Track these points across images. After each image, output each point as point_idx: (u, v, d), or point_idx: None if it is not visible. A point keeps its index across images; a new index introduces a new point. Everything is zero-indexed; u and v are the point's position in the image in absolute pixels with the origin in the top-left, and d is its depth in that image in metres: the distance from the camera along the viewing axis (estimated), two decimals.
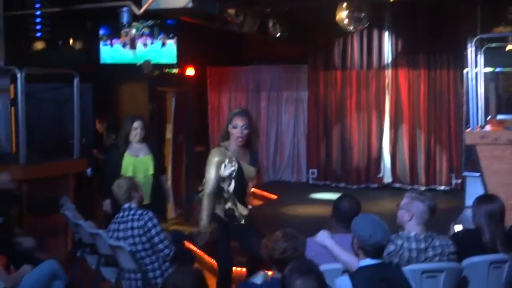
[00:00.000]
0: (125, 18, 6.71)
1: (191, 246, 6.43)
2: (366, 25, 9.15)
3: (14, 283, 4.33)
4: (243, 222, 4.91)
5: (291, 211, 8.95)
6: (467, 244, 3.97)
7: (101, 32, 9.10)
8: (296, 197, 10.02)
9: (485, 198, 4.28)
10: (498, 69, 9.19)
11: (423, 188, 10.04)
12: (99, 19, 8.94)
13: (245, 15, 8.48)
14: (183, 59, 9.55)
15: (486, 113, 7.79)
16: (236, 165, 4.81)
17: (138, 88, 9.01)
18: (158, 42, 9.10)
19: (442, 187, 10.38)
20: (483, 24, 8.56)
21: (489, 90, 8.98)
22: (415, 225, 3.77)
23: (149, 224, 4.69)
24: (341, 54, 11.00)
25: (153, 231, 4.68)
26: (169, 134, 9.89)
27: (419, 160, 10.54)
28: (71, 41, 8.80)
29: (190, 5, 6.08)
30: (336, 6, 8.60)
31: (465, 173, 8.43)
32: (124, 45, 9.11)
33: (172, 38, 9.11)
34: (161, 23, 9.05)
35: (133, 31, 9.01)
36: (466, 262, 3.86)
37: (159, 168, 6.03)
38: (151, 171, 5.89)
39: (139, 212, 4.78)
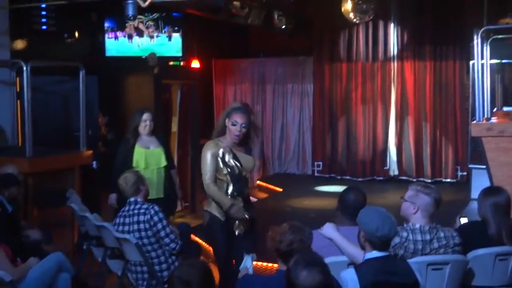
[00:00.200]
0: (130, 10, 6.69)
1: (197, 239, 6.44)
2: (372, 16, 9.12)
3: (21, 275, 4.35)
4: (240, 230, 4.58)
5: (297, 204, 8.96)
6: (472, 237, 3.97)
7: (106, 25, 9.10)
8: (302, 189, 10.02)
9: (491, 191, 4.27)
10: (504, 61, 9.14)
11: (428, 180, 10.02)
12: (104, 11, 8.94)
13: (250, 8, 8.47)
14: (188, 51, 9.55)
15: (492, 105, 7.74)
16: (232, 155, 4.55)
17: (144, 81, 9.01)
18: (163, 36, 9.10)
19: (448, 180, 10.36)
20: (490, 15, 8.52)
21: (495, 82, 8.92)
22: (421, 218, 3.77)
23: (155, 218, 4.69)
24: (346, 46, 10.97)
25: (159, 225, 4.68)
26: (174, 127, 9.90)
27: (424, 153, 10.52)
28: (76, 34, 8.80)
29: None
30: None
31: (471, 166, 8.42)
32: (129, 37, 9.11)
33: (177, 31, 9.10)
34: (166, 16, 9.04)
35: (138, 22, 9.00)
36: (471, 254, 3.86)
37: (170, 161, 6.02)
38: (163, 163, 5.86)
39: (145, 206, 4.79)
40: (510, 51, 8.80)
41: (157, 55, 8.91)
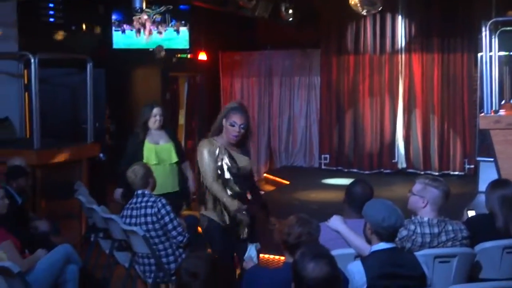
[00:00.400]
0: (137, 3, 6.71)
1: None
2: (379, 9, 9.07)
3: (29, 266, 4.38)
4: (245, 234, 4.42)
5: (304, 197, 8.96)
6: (480, 229, 3.96)
7: (114, 17, 9.11)
8: (309, 182, 10.02)
9: (499, 183, 4.26)
10: None
11: (436, 173, 10.00)
12: (112, 4, 8.94)
13: (258, 0, 8.45)
14: (195, 44, 9.54)
15: (500, 97, 7.71)
16: (227, 154, 4.39)
17: (151, 73, 9.02)
18: (170, 29, 9.09)
19: (456, 172, 10.34)
20: (498, 7, 8.47)
21: (504, 74, 8.88)
22: (430, 211, 3.76)
23: (163, 211, 4.70)
24: (354, 38, 10.93)
25: (167, 218, 4.69)
26: (182, 120, 9.91)
27: (432, 145, 10.50)
28: (84, 26, 8.81)
29: None
30: None
31: (479, 158, 8.40)
32: (137, 32, 9.12)
33: (185, 25, 9.09)
34: (173, 9, 9.03)
35: (145, 16, 9.01)
36: (479, 247, 3.85)
37: (181, 155, 5.86)
38: (174, 158, 5.74)
39: (152, 199, 4.79)
40: None
41: (165, 47, 8.92)
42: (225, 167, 4.38)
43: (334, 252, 2.82)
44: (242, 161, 4.47)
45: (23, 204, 5.44)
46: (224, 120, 4.41)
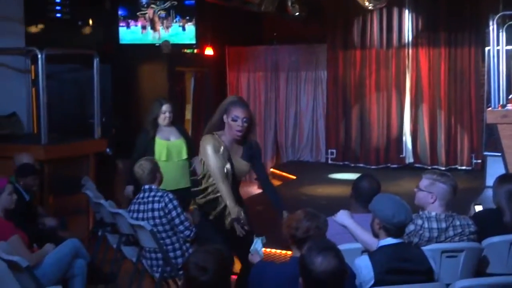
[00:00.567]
0: None
1: None
2: (386, 3, 9.05)
3: (37, 261, 4.40)
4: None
5: (310, 191, 8.96)
6: (487, 224, 3.96)
7: (120, 12, 9.11)
8: (315, 177, 10.02)
9: (506, 178, 4.24)
10: None
11: (443, 168, 9.98)
12: None
13: None
14: (202, 39, 9.54)
15: (508, 91, 7.69)
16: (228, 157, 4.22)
17: (157, 69, 9.03)
18: (176, 25, 9.09)
19: (463, 167, 10.31)
20: (506, 1, 8.42)
21: (511, 68, 8.85)
22: (438, 207, 3.76)
23: (170, 206, 4.71)
24: (360, 33, 10.90)
25: (174, 213, 4.70)
26: (188, 115, 9.93)
27: (439, 140, 10.47)
28: (90, 21, 8.83)
29: None
30: None
31: (486, 153, 8.37)
32: (143, 27, 9.12)
33: (190, 20, 9.09)
34: (178, 4, 9.02)
35: (152, 12, 9.01)
36: (486, 242, 3.85)
37: (192, 150, 5.78)
38: (184, 155, 5.73)
39: (159, 193, 4.81)
40: None
41: (171, 42, 8.92)
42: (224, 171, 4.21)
43: (341, 247, 2.82)
44: (240, 165, 4.30)
45: (31, 200, 5.46)
46: (224, 117, 4.21)
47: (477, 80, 10.13)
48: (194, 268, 2.53)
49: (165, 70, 9.02)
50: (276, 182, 10.20)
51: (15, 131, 7.08)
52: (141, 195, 4.89)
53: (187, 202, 5.49)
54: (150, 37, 9.15)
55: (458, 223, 3.75)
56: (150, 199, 4.79)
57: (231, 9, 8.88)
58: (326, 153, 11.26)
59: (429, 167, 9.99)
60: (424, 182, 3.84)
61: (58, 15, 8.14)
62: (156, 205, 4.74)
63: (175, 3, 9.02)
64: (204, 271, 2.52)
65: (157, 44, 8.95)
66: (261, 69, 11.65)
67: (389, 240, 3.28)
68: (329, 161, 11.17)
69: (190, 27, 9.10)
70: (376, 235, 3.39)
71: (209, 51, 10.25)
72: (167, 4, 9.04)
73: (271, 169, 11.03)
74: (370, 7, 8.84)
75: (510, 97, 7.76)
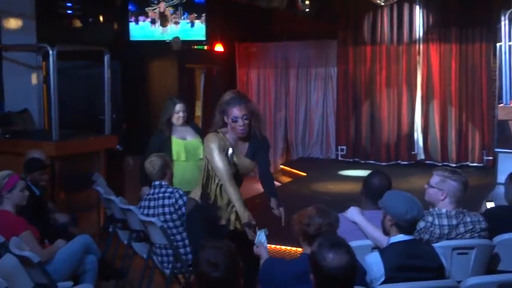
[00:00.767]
0: None
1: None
2: None
3: (49, 256, 4.42)
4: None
5: (321, 188, 8.95)
6: (499, 221, 3.94)
7: (130, 8, 9.13)
8: (325, 174, 10.01)
9: None
10: None
11: (454, 165, 9.93)
12: None
13: None
14: (212, 35, 9.54)
15: None
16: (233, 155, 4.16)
17: (167, 65, 9.04)
18: (183, 22, 9.09)
19: (474, 164, 10.26)
20: None
21: None
22: (449, 204, 3.75)
23: (180, 202, 4.72)
24: (370, 29, 10.86)
25: (184, 209, 4.69)
26: (198, 111, 9.93)
27: (450, 137, 10.42)
28: (101, 18, 8.85)
29: None
30: None
31: (497, 150, 8.32)
32: (152, 22, 9.14)
33: (198, 17, 9.09)
34: (186, 1, 9.01)
35: (162, 7, 9.02)
36: (497, 238, 3.83)
37: None
38: (200, 155, 5.45)
39: (170, 190, 4.82)
40: None
41: (181, 39, 8.93)
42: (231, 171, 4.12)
43: (351, 244, 2.81)
44: (246, 163, 4.24)
45: (41, 196, 5.48)
46: (225, 118, 4.15)
47: (489, 76, 10.07)
48: (205, 264, 2.54)
49: (176, 67, 9.03)
50: (286, 179, 10.21)
51: (27, 127, 7.11)
52: (152, 191, 4.90)
53: None
54: (160, 33, 9.16)
55: (469, 219, 3.74)
56: (161, 195, 4.81)
57: (241, 5, 8.88)
58: (336, 150, 11.25)
59: (440, 164, 9.94)
60: (435, 179, 3.83)
61: (69, 11, 8.17)
62: (166, 201, 4.75)
63: (183, 0, 9.01)
64: (216, 267, 2.52)
65: (167, 41, 8.95)
66: (271, 66, 11.64)
67: (400, 237, 3.27)
68: (339, 158, 11.16)
69: (199, 24, 9.10)
70: (387, 232, 3.38)
71: (219, 47, 10.25)
72: (176, 1, 9.04)
73: (281, 166, 11.03)
74: (381, 3, 8.79)
75: None
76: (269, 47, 11.63)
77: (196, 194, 4.31)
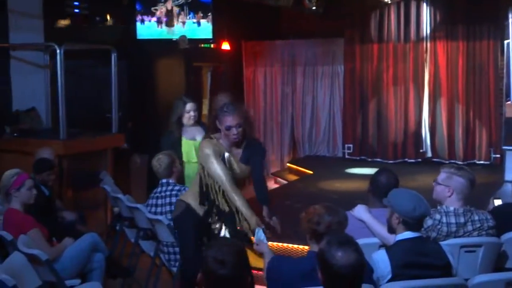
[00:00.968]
0: None
1: None
2: None
3: (56, 254, 4.44)
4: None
5: (328, 186, 8.94)
6: (506, 219, 3.93)
7: (137, 7, 9.14)
8: (332, 172, 9.99)
9: None
10: None
11: (461, 162, 9.89)
12: None
13: None
14: (218, 34, 9.54)
15: None
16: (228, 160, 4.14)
17: (175, 64, 9.05)
18: (189, 22, 9.10)
19: (481, 162, 10.22)
20: None
21: None
22: (456, 201, 3.74)
23: None
24: (377, 26, 10.82)
25: None
26: (205, 110, 9.93)
27: (457, 134, 10.38)
28: (108, 17, 8.87)
29: None
30: None
31: (505, 147, 8.30)
32: (159, 21, 9.15)
33: (205, 17, 9.09)
34: (193, 1, 9.01)
35: (169, 6, 9.03)
36: (505, 236, 3.83)
37: None
38: None
39: (177, 187, 4.83)
40: None
41: (188, 37, 8.94)
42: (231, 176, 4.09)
43: (358, 241, 2.81)
44: (242, 168, 4.21)
45: (50, 195, 5.50)
46: (217, 123, 4.12)
47: (496, 74, 10.02)
48: (213, 262, 2.54)
49: (182, 65, 9.03)
50: (293, 177, 10.20)
51: (34, 126, 7.15)
52: (159, 189, 4.91)
53: None
54: (166, 32, 9.17)
55: (476, 217, 3.73)
56: (168, 193, 4.82)
57: (248, 3, 8.87)
58: (343, 148, 11.22)
59: (447, 162, 9.91)
60: (442, 176, 3.83)
61: (77, 10, 8.20)
62: (173, 199, 4.75)
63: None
64: (223, 264, 2.52)
65: (174, 39, 8.96)
66: (277, 64, 11.63)
67: (407, 234, 3.27)
68: (346, 156, 11.13)
69: (205, 23, 9.10)
70: (393, 230, 3.37)
71: (225, 46, 10.25)
72: (182, 0, 9.04)
73: (288, 164, 11.03)
74: (387, 1, 8.77)
75: None
76: (276, 45, 11.62)
77: (186, 197, 4.28)
